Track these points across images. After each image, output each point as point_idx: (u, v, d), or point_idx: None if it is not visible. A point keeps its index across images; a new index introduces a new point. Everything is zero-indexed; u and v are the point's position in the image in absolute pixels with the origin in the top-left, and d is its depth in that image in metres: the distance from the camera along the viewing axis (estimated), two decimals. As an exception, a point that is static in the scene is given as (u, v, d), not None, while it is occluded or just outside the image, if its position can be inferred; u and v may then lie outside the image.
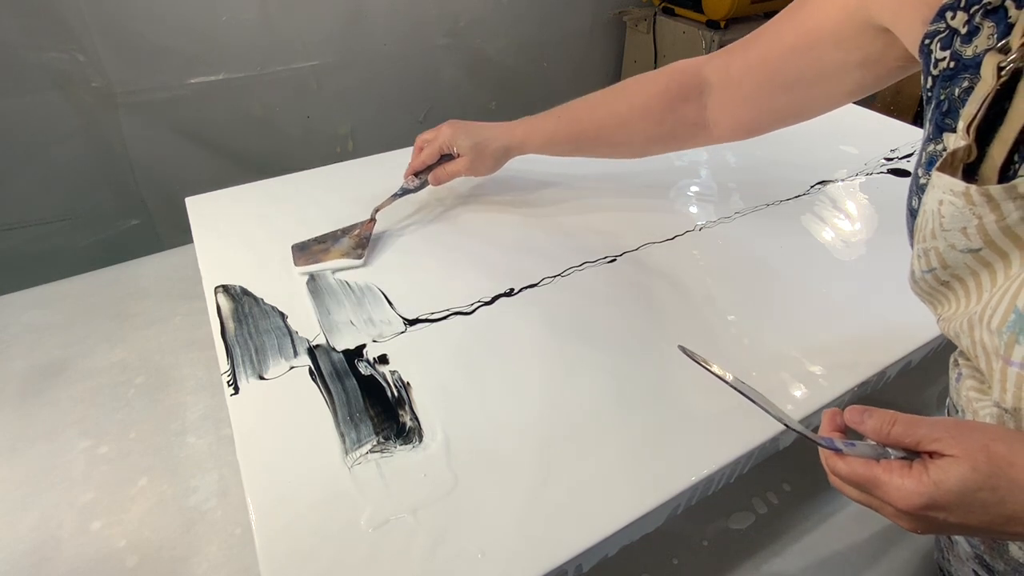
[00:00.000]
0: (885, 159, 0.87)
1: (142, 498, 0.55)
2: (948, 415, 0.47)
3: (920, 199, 0.38)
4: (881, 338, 0.57)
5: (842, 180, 0.82)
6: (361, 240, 0.65)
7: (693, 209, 0.76)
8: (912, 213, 0.40)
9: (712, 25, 1.91)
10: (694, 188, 0.81)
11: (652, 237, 0.71)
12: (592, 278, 0.65)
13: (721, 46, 1.90)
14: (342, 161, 0.86)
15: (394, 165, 0.86)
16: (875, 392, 0.57)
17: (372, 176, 0.83)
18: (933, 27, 0.37)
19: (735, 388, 0.37)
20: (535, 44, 2.03)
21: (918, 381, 0.72)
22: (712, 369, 0.38)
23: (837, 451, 0.34)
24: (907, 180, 0.82)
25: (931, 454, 0.31)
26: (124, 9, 1.36)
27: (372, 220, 0.68)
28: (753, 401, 0.36)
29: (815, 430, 0.37)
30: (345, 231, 0.67)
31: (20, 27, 1.28)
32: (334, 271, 0.63)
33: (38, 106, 1.37)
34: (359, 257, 0.63)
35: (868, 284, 0.64)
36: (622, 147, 0.69)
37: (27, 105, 1.35)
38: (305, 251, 0.65)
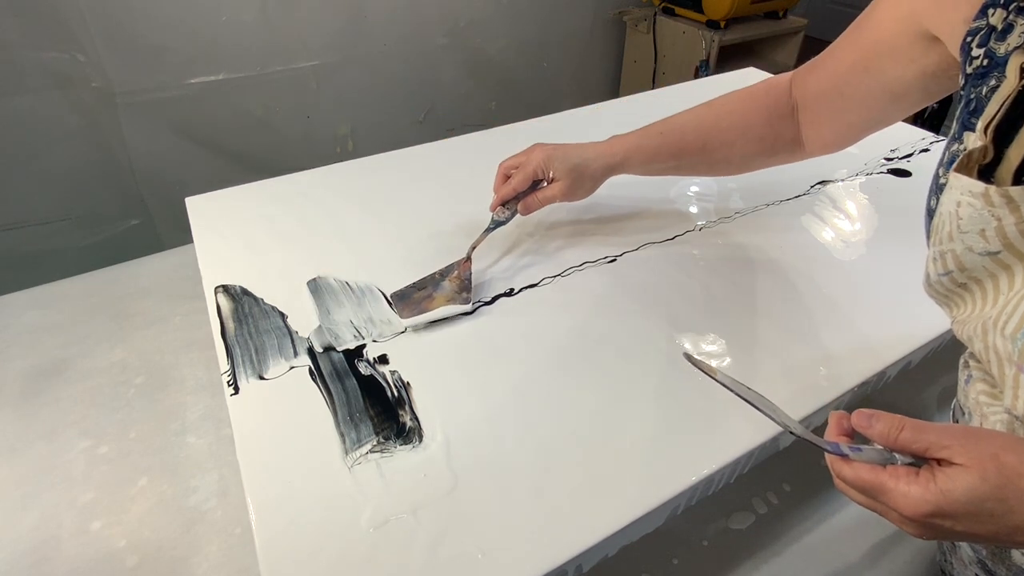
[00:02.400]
0: (885, 159, 0.87)
1: (142, 498, 0.55)
2: (954, 417, 0.47)
3: (938, 199, 0.37)
4: (881, 338, 0.57)
5: (842, 180, 0.82)
6: (463, 283, 0.62)
7: (693, 209, 0.76)
8: (930, 214, 0.39)
9: (712, 25, 1.91)
10: (694, 188, 0.81)
11: (652, 237, 0.71)
12: (592, 278, 0.65)
13: (721, 46, 1.91)
14: (342, 161, 0.86)
15: (394, 165, 0.86)
16: (875, 392, 0.57)
17: (372, 176, 0.83)
18: (976, 24, 0.36)
19: (740, 396, 0.37)
20: (535, 44, 2.03)
21: (918, 381, 0.72)
22: (716, 378, 0.38)
23: (843, 456, 0.33)
24: (907, 180, 0.83)
25: (939, 461, 0.31)
26: (124, 9, 1.36)
27: (468, 260, 0.64)
28: (758, 408, 0.36)
29: (820, 432, 0.37)
30: (443, 274, 0.63)
31: (20, 27, 1.28)
32: (441, 319, 0.59)
33: (38, 106, 1.37)
34: (466, 302, 0.60)
35: (868, 284, 0.64)
36: (722, 164, 0.66)
37: (27, 105, 1.35)
38: (407, 300, 0.61)
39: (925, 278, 0.41)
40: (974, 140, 0.34)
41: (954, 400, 0.47)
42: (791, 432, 0.36)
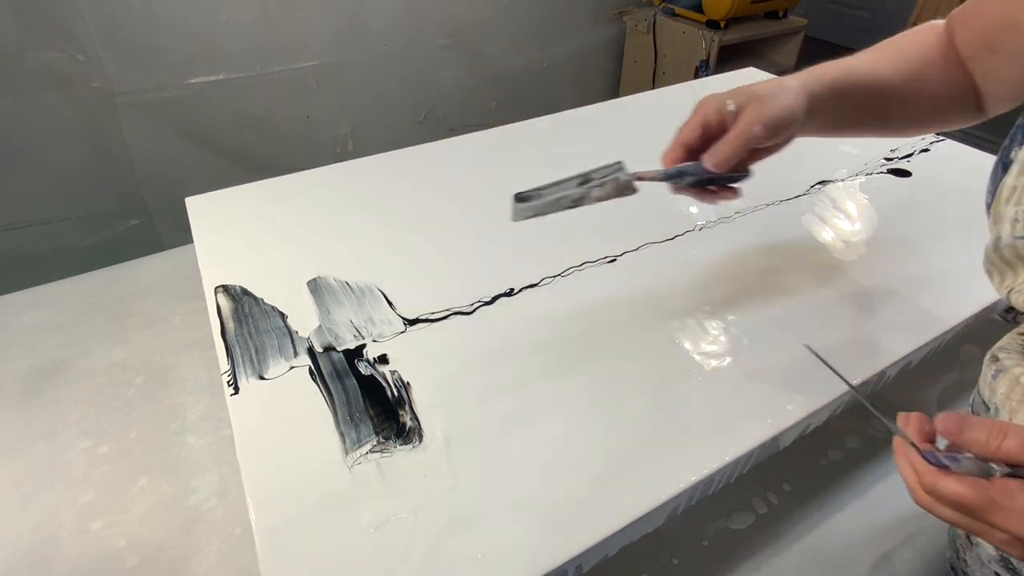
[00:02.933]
0: (885, 159, 0.87)
1: (142, 498, 0.55)
2: (974, 412, 0.45)
3: (1005, 166, 0.34)
4: (881, 338, 0.57)
5: (842, 180, 0.82)
6: (618, 189, 0.49)
7: (693, 209, 0.76)
8: (1005, 167, 0.36)
9: (712, 25, 1.91)
10: (694, 188, 0.81)
11: (652, 237, 0.71)
12: (592, 278, 0.65)
13: (721, 46, 1.91)
14: (342, 161, 0.86)
15: (394, 165, 0.86)
16: (875, 392, 0.57)
17: (372, 176, 0.83)
18: None
19: (856, 391, 0.36)
20: (535, 44, 2.03)
21: (918, 381, 0.72)
22: (838, 373, 0.36)
23: (943, 467, 0.29)
24: (907, 180, 0.83)
25: None
26: (124, 9, 1.36)
27: (632, 188, 0.50)
28: (876, 413, 0.34)
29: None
30: (587, 179, 0.50)
31: (20, 27, 1.28)
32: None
33: (38, 106, 1.37)
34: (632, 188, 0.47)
35: (868, 284, 0.64)
36: (907, 113, 0.53)
37: (27, 105, 1.36)
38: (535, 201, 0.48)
39: (991, 244, 0.38)
40: None
41: (972, 396, 0.46)
42: (903, 436, 0.33)
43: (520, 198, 0.49)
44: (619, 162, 0.50)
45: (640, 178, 0.49)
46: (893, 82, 0.51)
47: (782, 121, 0.46)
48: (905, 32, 0.53)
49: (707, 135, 0.48)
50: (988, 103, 0.51)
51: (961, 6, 0.50)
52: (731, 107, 0.47)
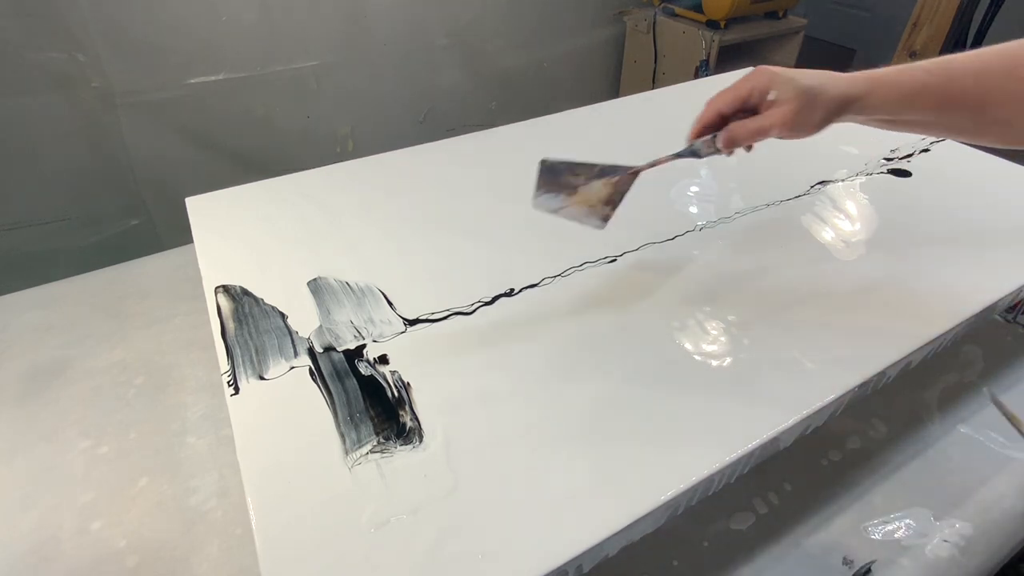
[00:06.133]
0: (885, 159, 0.87)
1: (142, 498, 0.55)
2: None
3: None
4: (881, 338, 0.57)
5: (842, 180, 0.82)
6: (614, 196, 0.52)
7: (693, 209, 0.76)
8: None
9: (712, 25, 1.91)
10: (694, 188, 0.81)
11: (652, 237, 0.71)
12: (592, 278, 0.65)
13: (721, 46, 1.91)
14: (342, 161, 0.86)
15: (394, 165, 0.86)
16: (875, 392, 0.57)
17: (372, 176, 0.83)
18: None
19: None
20: (535, 44, 2.03)
21: (918, 381, 0.72)
22: None
23: None
24: (907, 180, 0.83)
25: None
26: (124, 9, 1.36)
27: (636, 173, 0.54)
28: None
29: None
30: (605, 172, 0.53)
31: (20, 27, 1.28)
32: (572, 219, 0.52)
33: (38, 106, 1.37)
34: (604, 219, 0.51)
35: (868, 284, 0.64)
36: (1000, 127, 0.50)
37: (27, 105, 1.35)
38: (553, 178, 0.52)
39: None
40: None
41: None
42: None
43: (546, 168, 0.52)
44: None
45: (655, 164, 0.53)
46: (987, 97, 0.49)
47: (807, 130, 0.49)
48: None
49: (743, 108, 0.51)
50: None
51: None
52: (772, 96, 0.49)
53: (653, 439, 0.48)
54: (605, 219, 0.52)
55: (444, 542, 0.41)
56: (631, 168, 0.53)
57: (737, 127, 0.50)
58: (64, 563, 0.50)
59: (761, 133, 0.50)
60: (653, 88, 1.92)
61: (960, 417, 0.69)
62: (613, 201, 0.52)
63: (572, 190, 0.52)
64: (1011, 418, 0.35)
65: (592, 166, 0.53)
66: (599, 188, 0.53)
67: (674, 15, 2.03)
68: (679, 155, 0.54)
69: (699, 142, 0.53)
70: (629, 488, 0.44)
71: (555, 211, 0.52)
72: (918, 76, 0.50)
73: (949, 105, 0.50)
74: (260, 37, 1.55)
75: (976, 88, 0.49)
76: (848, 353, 0.55)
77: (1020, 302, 0.79)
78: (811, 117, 0.50)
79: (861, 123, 0.53)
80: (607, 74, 2.28)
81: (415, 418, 0.49)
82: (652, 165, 0.54)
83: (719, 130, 0.51)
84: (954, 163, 0.86)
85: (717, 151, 0.52)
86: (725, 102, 0.51)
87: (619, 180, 0.54)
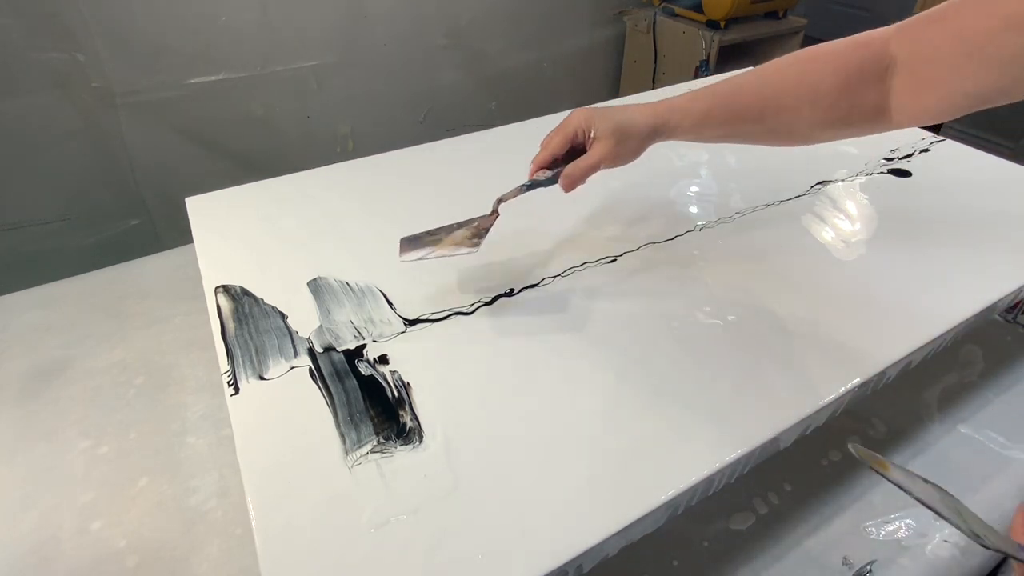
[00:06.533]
0: (885, 159, 0.87)
1: (142, 498, 0.55)
2: None
3: None
4: (881, 338, 0.57)
5: (842, 180, 0.82)
6: (479, 231, 0.57)
7: (693, 209, 0.76)
8: None
9: (712, 25, 1.91)
10: (694, 188, 0.81)
11: (652, 237, 0.71)
12: (592, 278, 0.65)
13: (721, 46, 1.91)
14: (342, 161, 0.86)
15: (394, 165, 0.86)
16: (875, 392, 0.57)
17: (372, 176, 0.83)
18: None
19: (918, 499, 0.32)
20: (535, 44, 2.03)
21: (918, 381, 0.72)
22: (889, 476, 0.33)
23: None
24: (907, 180, 0.83)
25: None
26: (124, 9, 1.36)
27: (495, 213, 0.59)
28: (937, 511, 0.31)
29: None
30: (462, 224, 0.59)
31: (20, 27, 1.28)
32: (444, 256, 0.56)
33: (38, 106, 1.37)
34: (475, 246, 0.55)
35: (868, 284, 0.64)
36: (783, 134, 0.59)
37: (27, 105, 1.35)
38: (414, 243, 0.57)
39: None
40: None
41: None
42: (983, 545, 0.30)
43: (405, 241, 0.58)
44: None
45: (503, 200, 0.59)
46: (765, 109, 0.56)
47: (627, 158, 0.59)
48: (812, 49, 0.56)
49: (572, 146, 0.59)
50: (900, 118, 0.53)
51: (931, 11, 0.49)
52: (592, 134, 0.57)
53: (653, 439, 0.48)
54: (476, 245, 0.56)
55: (444, 542, 0.41)
56: (485, 214, 0.59)
57: (572, 168, 0.57)
58: (64, 563, 0.50)
59: (592, 169, 0.57)
60: (653, 88, 1.92)
61: (960, 417, 0.69)
62: (480, 235, 0.57)
63: (436, 242, 0.57)
64: (869, 460, 0.34)
65: (447, 225, 0.59)
66: (461, 233, 0.58)
67: (674, 15, 2.03)
68: (525, 187, 0.60)
69: (540, 177, 0.59)
70: (629, 488, 0.44)
71: (422, 258, 0.55)
72: (706, 101, 0.58)
73: (736, 120, 0.58)
74: (260, 37, 1.55)
75: (756, 103, 0.57)
76: (848, 353, 0.55)
77: (1020, 302, 0.79)
78: (628, 148, 0.58)
79: (676, 140, 0.60)
80: (607, 74, 2.28)
81: (415, 418, 0.49)
82: (501, 201, 0.59)
83: (554, 166, 0.59)
84: (954, 163, 0.86)
85: (555, 180, 0.58)
86: (558, 145, 0.58)
87: (480, 222, 0.59)
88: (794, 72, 0.56)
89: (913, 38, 0.50)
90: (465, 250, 0.55)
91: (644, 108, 0.59)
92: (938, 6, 0.48)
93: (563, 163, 0.58)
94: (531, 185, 0.59)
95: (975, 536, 0.30)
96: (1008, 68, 0.43)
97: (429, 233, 0.58)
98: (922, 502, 0.31)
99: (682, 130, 0.59)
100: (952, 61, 0.47)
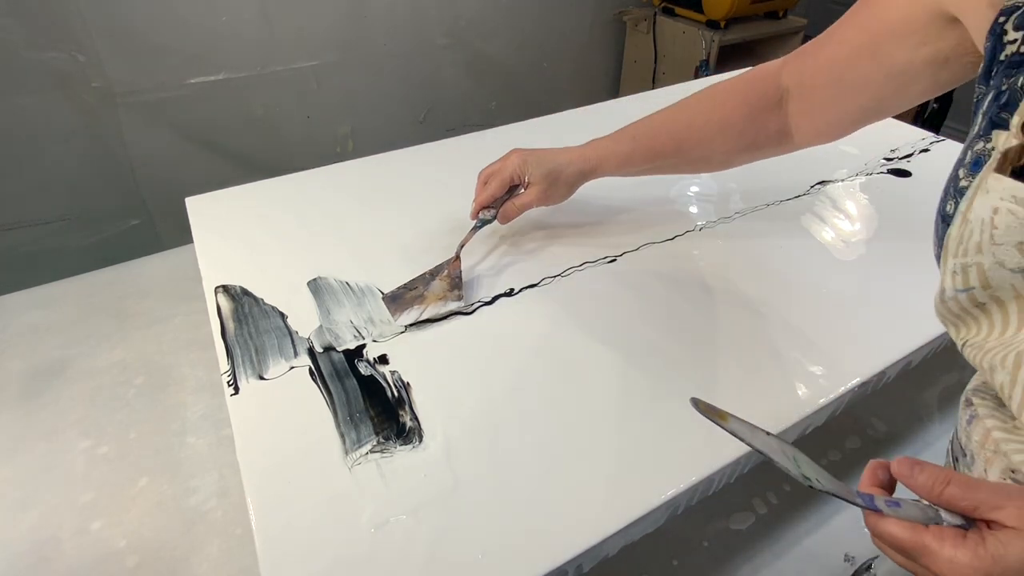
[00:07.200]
0: (885, 159, 0.87)
1: (142, 498, 0.55)
2: (952, 456, 0.43)
3: (957, 204, 0.33)
4: (881, 338, 0.57)
5: (842, 180, 0.82)
6: (454, 281, 0.62)
7: (693, 209, 0.76)
8: (945, 220, 0.35)
9: (712, 25, 1.91)
10: (694, 188, 0.81)
11: (652, 237, 0.71)
12: (592, 278, 0.65)
13: (721, 46, 1.91)
14: (342, 161, 0.86)
15: (394, 165, 0.86)
16: (875, 392, 0.57)
17: (372, 176, 0.83)
18: (1012, 1, 0.32)
19: (754, 447, 0.33)
20: (535, 44, 2.03)
21: (918, 381, 0.72)
22: (726, 426, 0.34)
23: (878, 511, 0.30)
24: (907, 180, 0.83)
25: (989, 523, 0.28)
26: (124, 9, 1.36)
27: (457, 258, 0.65)
28: (774, 460, 0.32)
29: (843, 473, 0.34)
30: (433, 273, 0.63)
31: (20, 27, 1.28)
32: (438, 315, 0.59)
33: (38, 106, 1.37)
34: (459, 299, 0.60)
35: (868, 284, 0.64)
36: (701, 163, 0.66)
37: (27, 105, 1.35)
38: (399, 301, 0.60)
39: (938, 295, 0.36)
40: (1007, 139, 0.30)
41: (950, 438, 0.44)
42: (813, 487, 0.32)
43: (387, 299, 0.61)
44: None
45: (463, 245, 0.66)
46: (681, 144, 0.63)
47: (556, 200, 0.67)
48: (712, 87, 0.62)
49: (511, 185, 0.67)
50: (801, 138, 0.58)
51: (807, 45, 0.55)
52: (527, 179, 0.65)
53: (653, 439, 0.48)
54: (460, 298, 0.61)
55: (444, 542, 0.41)
56: (450, 259, 0.65)
57: (508, 207, 0.66)
58: (64, 563, 0.50)
59: (525, 207, 0.66)
60: (653, 88, 1.92)
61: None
62: (457, 285, 0.62)
63: (421, 299, 0.61)
64: (707, 412, 0.35)
65: (420, 276, 0.63)
66: (439, 285, 0.62)
67: (674, 15, 2.03)
68: (476, 228, 0.67)
69: (486, 216, 0.67)
70: (629, 488, 0.44)
71: (418, 319, 0.58)
72: (627, 144, 0.65)
73: (656, 157, 0.64)
74: (260, 37, 1.55)
75: (672, 142, 0.63)
76: (848, 353, 0.56)
77: (1020, 302, 0.79)
78: (557, 192, 0.66)
79: (605, 177, 0.67)
80: (607, 74, 2.28)
81: (415, 418, 0.49)
82: (461, 246, 0.65)
83: (494, 204, 0.67)
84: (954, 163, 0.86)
85: (495, 219, 0.67)
86: (497, 189, 0.66)
87: (448, 269, 0.64)
88: (704, 108, 0.62)
89: (796, 70, 0.56)
90: (454, 304, 0.60)
91: (573, 153, 0.66)
92: (812, 40, 0.55)
93: (501, 201, 0.66)
94: (480, 225, 0.67)
95: (805, 479, 0.31)
96: (869, 89, 0.49)
97: (407, 289, 0.62)
98: (759, 451, 0.32)
99: (609, 170, 0.66)
100: (827, 89, 0.53)
